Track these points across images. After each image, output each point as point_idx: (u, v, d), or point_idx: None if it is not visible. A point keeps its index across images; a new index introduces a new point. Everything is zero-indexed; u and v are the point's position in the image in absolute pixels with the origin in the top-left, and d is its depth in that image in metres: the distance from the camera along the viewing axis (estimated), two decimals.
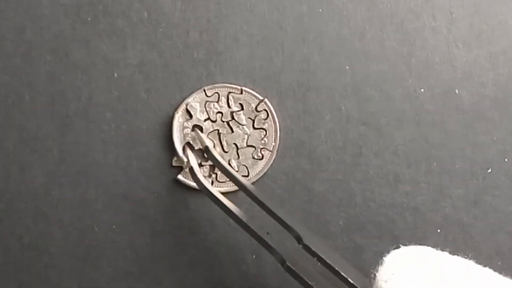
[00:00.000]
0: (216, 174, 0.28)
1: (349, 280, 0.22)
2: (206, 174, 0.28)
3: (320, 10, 0.29)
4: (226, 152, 0.28)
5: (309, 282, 0.23)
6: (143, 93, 0.28)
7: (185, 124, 0.28)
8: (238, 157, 0.28)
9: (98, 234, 0.27)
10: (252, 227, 0.25)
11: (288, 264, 0.24)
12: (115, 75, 0.28)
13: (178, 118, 0.28)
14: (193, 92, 0.28)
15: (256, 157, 0.28)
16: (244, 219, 0.25)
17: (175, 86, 0.28)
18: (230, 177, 0.26)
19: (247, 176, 0.28)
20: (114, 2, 0.28)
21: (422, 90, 0.28)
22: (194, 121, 0.28)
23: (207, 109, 0.28)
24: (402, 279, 0.21)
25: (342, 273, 0.22)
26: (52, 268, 0.27)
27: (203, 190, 0.26)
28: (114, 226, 0.28)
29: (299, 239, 0.24)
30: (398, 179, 0.28)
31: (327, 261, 0.23)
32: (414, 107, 0.28)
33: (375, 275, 0.22)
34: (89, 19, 0.28)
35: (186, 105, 0.28)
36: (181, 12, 0.28)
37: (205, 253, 0.27)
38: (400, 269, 0.22)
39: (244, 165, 0.28)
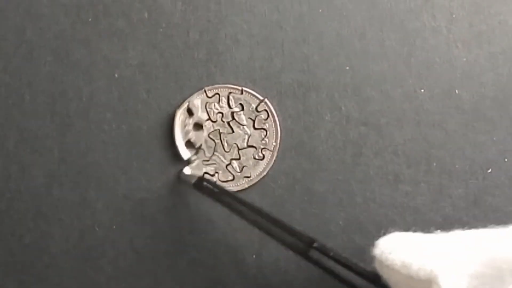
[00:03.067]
0: (218, 173, 0.28)
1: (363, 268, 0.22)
2: (212, 172, 0.28)
3: (320, 10, 0.29)
4: (227, 152, 0.28)
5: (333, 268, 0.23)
6: (143, 93, 0.28)
7: (187, 121, 0.28)
8: (240, 157, 0.28)
9: (98, 234, 0.27)
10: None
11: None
12: (116, 75, 0.28)
13: (180, 115, 0.28)
14: (193, 92, 0.28)
15: (257, 157, 0.28)
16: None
17: (175, 86, 0.28)
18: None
19: (249, 177, 0.28)
20: (114, 2, 0.28)
21: (422, 90, 0.28)
22: (195, 119, 0.28)
23: (208, 109, 0.28)
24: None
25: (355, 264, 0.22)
26: (52, 268, 0.27)
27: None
28: (114, 226, 0.27)
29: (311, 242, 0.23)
30: (398, 179, 0.28)
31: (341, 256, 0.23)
32: (414, 107, 0.28)
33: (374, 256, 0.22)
34: (89, 19, 0.28)
35: (189, 102, 0.28)
36: (181, 12, 0.28)
37: (205, 253, 0.27)
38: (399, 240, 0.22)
39: (245, 166, 0.28)
